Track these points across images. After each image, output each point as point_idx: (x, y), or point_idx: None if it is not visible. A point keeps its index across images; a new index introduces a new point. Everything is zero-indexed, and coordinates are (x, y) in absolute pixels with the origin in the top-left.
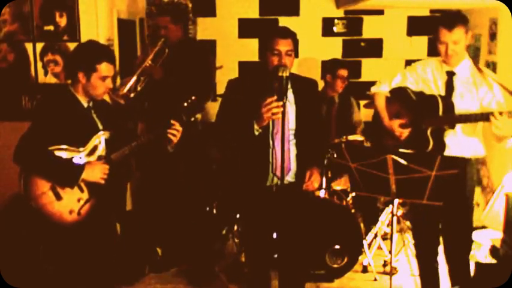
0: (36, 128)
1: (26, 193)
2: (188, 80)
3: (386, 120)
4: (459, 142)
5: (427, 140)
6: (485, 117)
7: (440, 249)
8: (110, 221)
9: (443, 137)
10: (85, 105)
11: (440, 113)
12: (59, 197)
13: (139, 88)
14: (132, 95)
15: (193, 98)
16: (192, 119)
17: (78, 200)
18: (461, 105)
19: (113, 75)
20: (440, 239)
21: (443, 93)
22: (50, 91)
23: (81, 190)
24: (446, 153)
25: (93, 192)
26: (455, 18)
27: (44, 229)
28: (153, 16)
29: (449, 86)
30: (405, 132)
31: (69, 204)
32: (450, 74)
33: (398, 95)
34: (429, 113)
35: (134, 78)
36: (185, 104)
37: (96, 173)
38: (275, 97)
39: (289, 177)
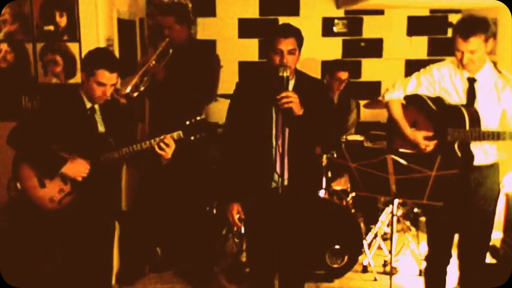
0: (35, 116)
1: (13, 174)
2: (190, 82)
3: (409, 131)
4: (484, 149)
5: (454, 153)
6: None
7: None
8: (100, 219)
9: (469, 147)
10: (88, 105)
11: (467, 125)
12: (42, 184)
13: (141, 88)
14: (134, 94)
15: (198, 118)
16: (192, 138)
17: (59, 191)
18: (484, 113)
19: (112, 84)
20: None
21: (464, 100)
22: (61, 88)
23: (65, 182)
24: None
25: (76, 186)
26: (472, 26)
27: (31, 215)
28: (156, 16)
29: (471, 94)
30: (431, 145)
31: (50, 192)
32: (471, 81)
33: (415, 103)
34: (455, 126)
35: (137, 77)
36: (187, 122)
37: (77, 169)
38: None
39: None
